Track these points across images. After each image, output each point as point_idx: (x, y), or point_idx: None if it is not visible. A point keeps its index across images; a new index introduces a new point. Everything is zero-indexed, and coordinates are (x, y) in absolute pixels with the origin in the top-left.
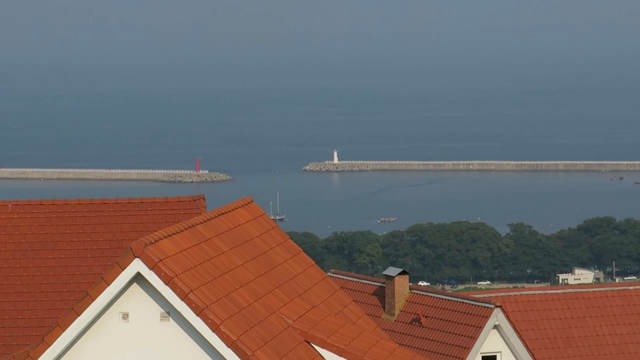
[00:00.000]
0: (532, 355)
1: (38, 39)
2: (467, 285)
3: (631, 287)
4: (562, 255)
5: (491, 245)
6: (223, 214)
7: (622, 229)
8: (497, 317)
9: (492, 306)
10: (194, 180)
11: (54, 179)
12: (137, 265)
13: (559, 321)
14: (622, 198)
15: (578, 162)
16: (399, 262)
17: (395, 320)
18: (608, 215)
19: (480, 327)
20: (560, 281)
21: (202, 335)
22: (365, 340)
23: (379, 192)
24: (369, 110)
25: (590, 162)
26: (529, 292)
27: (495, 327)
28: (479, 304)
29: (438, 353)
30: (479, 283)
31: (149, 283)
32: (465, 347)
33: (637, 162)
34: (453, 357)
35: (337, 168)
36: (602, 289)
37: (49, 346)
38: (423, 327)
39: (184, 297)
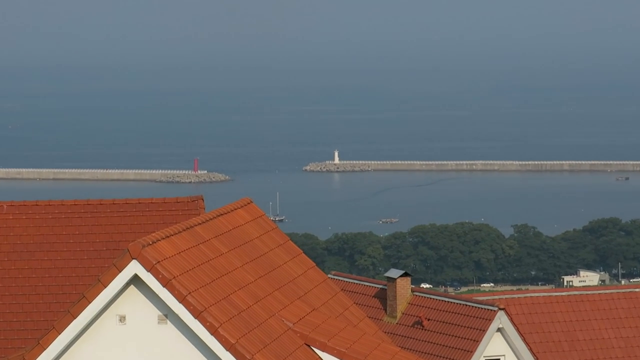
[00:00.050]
0: (537, 359)
1: (33, 37)
2: (470, 288)
3: (637, 289)
4: (566, 256)
5: (495, 246)
6: (222, 215)
7: (628, 230)
8: (501, 319)
9: (496, 309)
10: (192, 180)
11: (50, 179)
12: (134, 267)
13: (564, 324)
14: (628, 199)
15: (583, 162)
16: (401, 263)
17: (397, 323)
18: (614, 216)
19: (483, 330)
20: (565, 283)
21: (200, 339)
22: (366, 344)
23: (380, 192)
24: (371, 109)
25: (596, 162)
26: (533, 295)
27: (499, 330)
28: (482, 306)
29: (440, 356)
30: (482, 285)
31: (147, 285)
32: (468, 351)
33: None
34: None
35: (338, 168)
36: (607, 291)
37: (45, 349)
38: (425, 330)
39: (182, 300)
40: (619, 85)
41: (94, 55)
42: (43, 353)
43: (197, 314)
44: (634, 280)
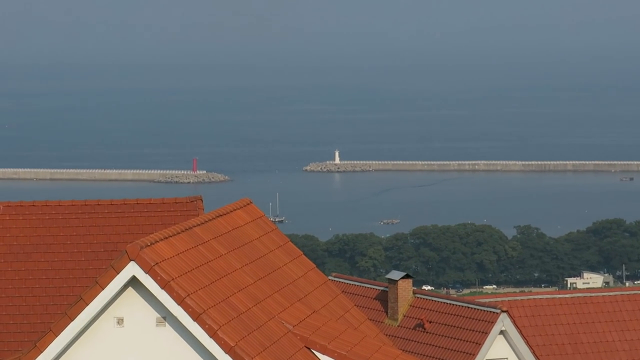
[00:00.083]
0: None
1: (30, 35)
2: (473, 290)
3: None
4: (570, 258)
5: (497, 248)
6: (221, 215)
7: (633, 232)
8: (504, 322)
9: (499, 311)
10: (191, 180)
11: (47, 179)
12: (132, 269)
13: (567, 326)
14: (632, 199)
15: (587, 162)
16: (402, 265)
17: (398, 326)
18: (618, 217)
19: (486, 333)
20: (569, 285)
21: (199, 341)
22: (367, 346)
23: (381, 193)
24: (372, 109)
25: (600, 162)
26: (536, 297)
27: (502, 332)
28: (485, 308)
29: (442, 359)
30: (484, 287)
31: (145, 287)
32: (470, 353)
33: None
34: None
35: (338, 168)
36: (611, 293)
37: (42, 352)
38: (427, 332)
39: (180, 302)
40: (623, 85)
41: (91, 55)
42: (40, 356)
43: (196, 316)
44: (639, 282)
